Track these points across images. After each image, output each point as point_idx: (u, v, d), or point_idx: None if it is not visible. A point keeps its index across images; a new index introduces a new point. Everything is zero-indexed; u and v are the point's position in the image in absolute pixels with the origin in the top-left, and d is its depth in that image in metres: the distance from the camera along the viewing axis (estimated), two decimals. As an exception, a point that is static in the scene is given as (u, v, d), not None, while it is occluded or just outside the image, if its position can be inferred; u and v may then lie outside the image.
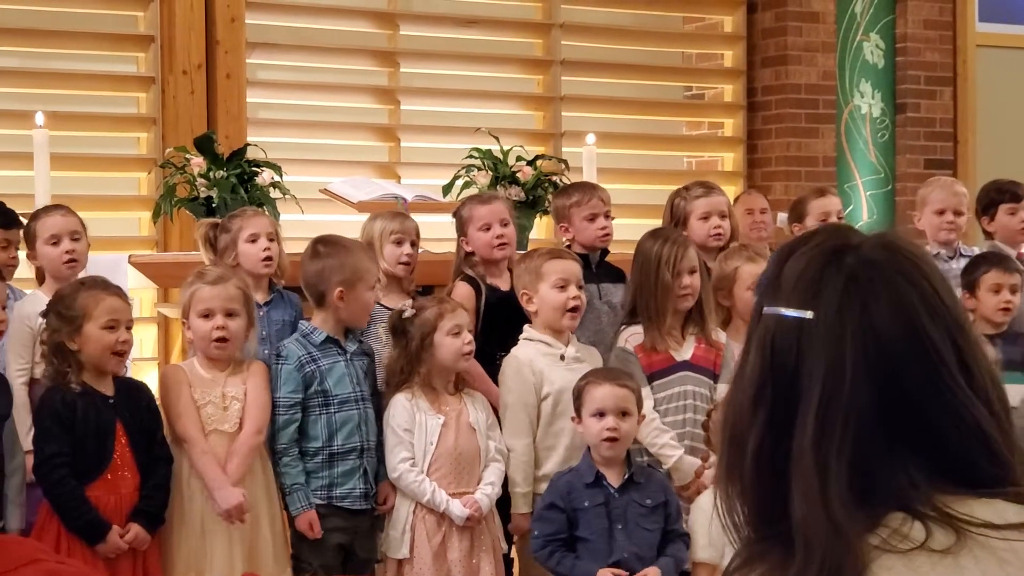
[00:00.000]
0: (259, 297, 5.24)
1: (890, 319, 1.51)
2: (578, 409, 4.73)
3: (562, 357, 5.06)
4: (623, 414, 4.69)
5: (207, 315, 4.78)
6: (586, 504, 4.67)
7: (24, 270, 5.58)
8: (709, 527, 4.65)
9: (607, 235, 5.67)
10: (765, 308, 1.56)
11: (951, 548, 1.43)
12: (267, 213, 5.70)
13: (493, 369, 5.16)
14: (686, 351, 5.16)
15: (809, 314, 1.53)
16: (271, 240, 5.29)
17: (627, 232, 6.94)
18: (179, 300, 5.06)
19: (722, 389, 5.06)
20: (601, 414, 4.67)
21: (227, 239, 5.31)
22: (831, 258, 1.55)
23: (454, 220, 5.64)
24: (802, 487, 1.47)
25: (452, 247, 5.84)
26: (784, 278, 1.56)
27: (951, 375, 1.50)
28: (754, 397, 1.54)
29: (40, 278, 5.42)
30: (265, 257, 5.26)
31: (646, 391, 5.03)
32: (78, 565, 2.42)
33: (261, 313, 5.23)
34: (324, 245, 5.06)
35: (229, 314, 4.79)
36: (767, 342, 1.54)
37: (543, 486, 4.96)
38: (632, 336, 5.17)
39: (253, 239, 5.27)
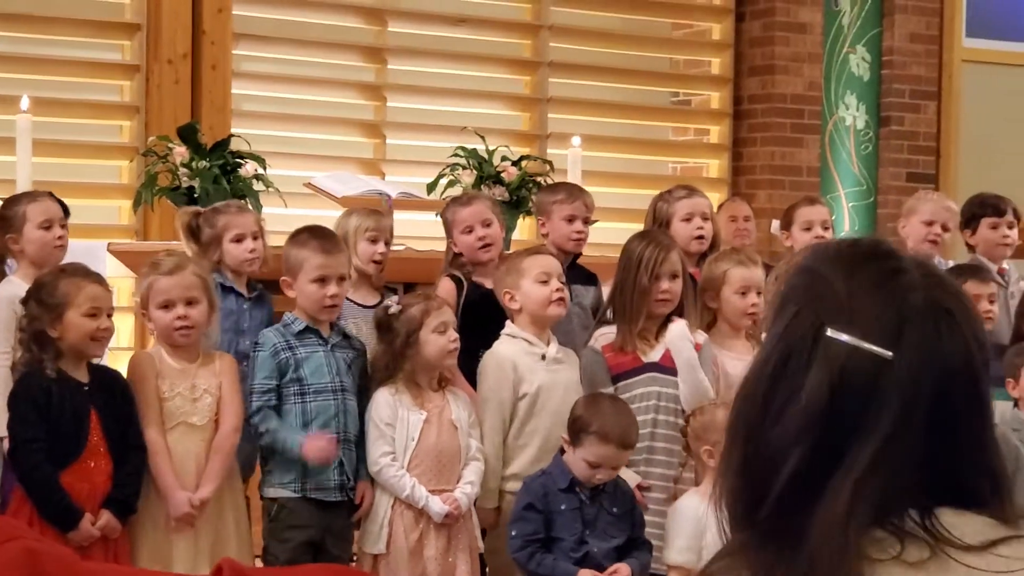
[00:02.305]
0: (242, 290, 5.22)
1: (962, 373, 1.52)
2: (573, 433, 4.69)
3: (543, 357, 5.04)
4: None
5: (167, 306, 4.74)
6: (563, 508, 4.67)
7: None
8: (687, 531, 4.64)
9: (581, 240, 5.65)
10: (831, 331, 1.51)
11: (924, 562, 1.46)
12: (251, 208, 5.66)
13: (474, 366, 5.13)
14: (656, 353, 5.14)
15: (889, 355, 1.50)
16: (256, 239, 5.26)
17: (611, 236, 6.92)
18: (137, 290, 5.01)
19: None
20: (597, 465, 4.66)
21: (211, 234, 5.26)
22: (906, 296, 1.53)
23: (441, 221, 5.61)
24: (827, 516, 1.47)
25: (435, 245, 5.82)
26: (857, 306, 1.52)
27: (990, 427, 1.54)
28: (808, 422, 1.50)
29: None
30: (250, 259, 5.22)
31: (608, 392, 5.02)
32: (54, 544, 2.40)
33: (244, 306, 5.20)
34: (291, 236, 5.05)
35: (189, 302, 4.74)
36: (835, 370, 1.50)
37: (510, 484, 4.95)
38: (603, 336, 5.16)
39: (239, 239, 5.23)
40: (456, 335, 4.91)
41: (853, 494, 1.47)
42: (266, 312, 5.30)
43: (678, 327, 5.09)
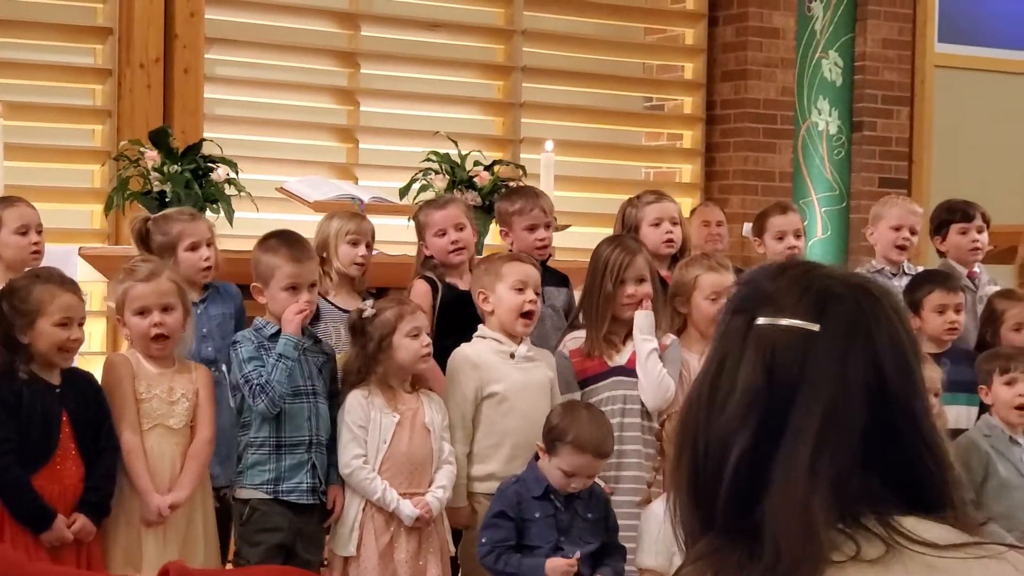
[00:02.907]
0: (193, 295, 5.18)
1: (888, 344, 1.59)
2: (549, 442, 4.69)
3: (512, 356, 5.05)
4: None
5: (143, 312, 4.73)
6: (537, 516, 4.67)
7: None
8: (659, 534, 4.65)
9: (545, 246, 5.67)
10: (761, 319, 1.59)
11: (881, 558, 1.50)
12: (203, 215, 5.59)
13: (448, 367, 5.14)
14: (623, 357, 5.15)
15: (816, 327, 1.57)
16: (209, 246, 5.26)
17: (582, 240, 6.94)
18: (111, 295, 5.01)
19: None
20: (572, 475, 4.67)
21: (163, 241, 5.24)
22: (827, 283, 1.61)
23: (413, 224, 5.62)
24: (788, 489, 1.52)
25: (408, 249, 5.83)
26: (781, 295, 1.61)
27: (924, 405, 1.60)
28: (748, 405, 1.56)
29: None
30: (205, 267, 5.23)
31: (575, 397, 5.06)
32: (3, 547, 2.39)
33: (199, 311, 5.18)
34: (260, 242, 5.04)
35: (165, 309, 4.74)
36: (767, 351, 1.58)
37: (484, 485, 4.98)
38: (572, 340, 5.19)
39: (194, 247, 5.22)
40: (428, 340, 4.92)
41: (809, 469, 1.51)
42: (227, 306, 5.27)
43: (643, 317, 5.10)
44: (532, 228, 5.64)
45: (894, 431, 1.57)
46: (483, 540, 4.69)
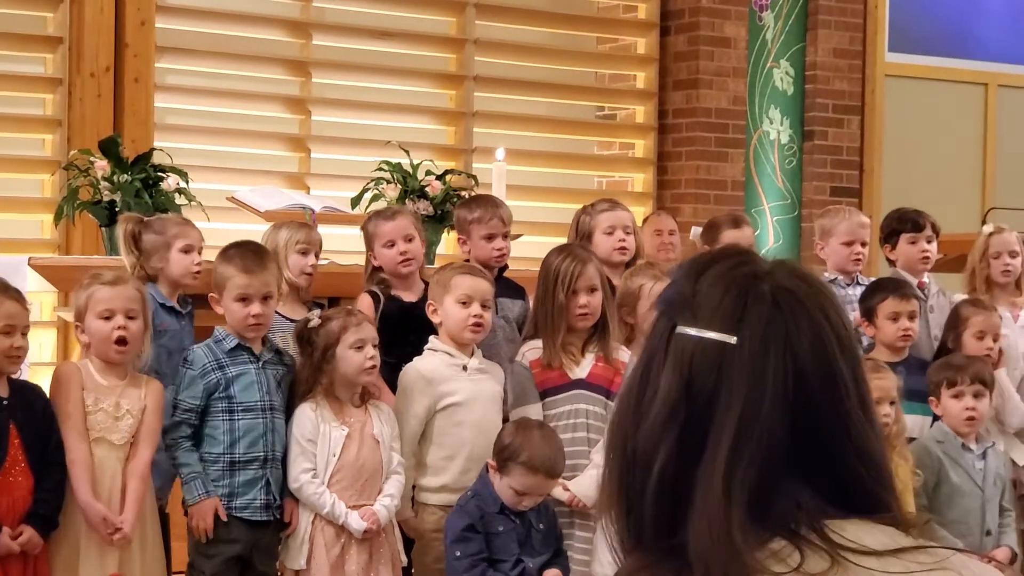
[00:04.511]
0: (177, 307, 5.21)
1: (809, 350, 1.56)
2: (501, 461, 4.70)
3: (464, 368, 5.05)
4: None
5: (107, 316, 4.71)
6: (500, 529, 4.69)
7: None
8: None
9: (502, 256, 5.65)
10: (680, 328, 1.57)
11: (825, 572, 1.47)
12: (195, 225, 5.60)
13: (394, 378, 5.13)
14: (583, 369, 5.15)
15: (733, 339, 1.55)
16: (200, 253, 5.26)
17: (535, 250, 6.94)
18: (72, 303, 4.97)
19: None
20: (523, 494, 4.68)
21: (157, 241, 5.21)
22: (750, 284, 1.58)
23: (362, 234, 5.61)
24: (706, 507, 1.50)
25: (359, 259, 5.81)
26: (701, 299, 1.58)
27: (854, 408, 1.57)
28: (667, 417, 1.55)
29: None
30: (196, 271, 5.22)
31: (536, 407, 5.05)
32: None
33: (183, 323, 5.19)
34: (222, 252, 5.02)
35: (129, 315, 4.72)
36: (684, 363, 1.55)
37: (437, 496, 4.98)
38: (530, 351, 5.18)
39: (188, 250, 5.20)
40: (374, 352, 4.90)
41: (724, 483, 1.50)
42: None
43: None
44: (490, 237, 5.62)
45: (821, 434, 1.54)
46: (457, 554, 4.68)
